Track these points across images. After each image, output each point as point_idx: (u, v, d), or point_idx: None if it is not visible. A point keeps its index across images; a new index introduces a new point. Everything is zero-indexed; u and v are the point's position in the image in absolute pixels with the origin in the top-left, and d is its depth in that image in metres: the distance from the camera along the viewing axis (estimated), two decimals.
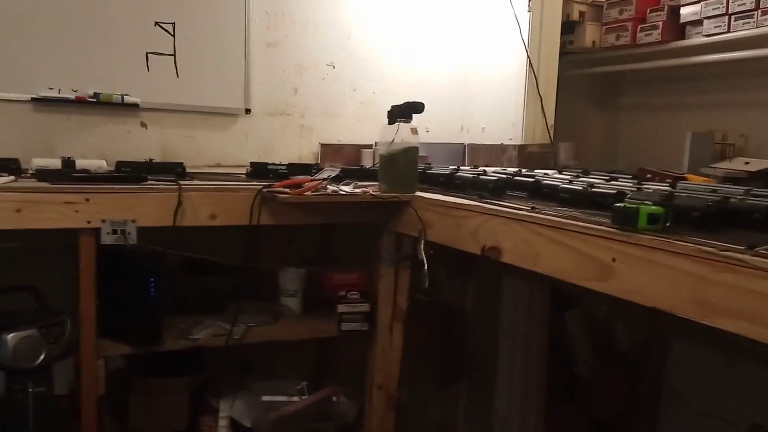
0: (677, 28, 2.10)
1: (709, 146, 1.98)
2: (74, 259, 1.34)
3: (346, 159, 2.06)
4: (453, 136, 2.27)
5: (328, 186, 1.46)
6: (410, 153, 1.46)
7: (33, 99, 1.74)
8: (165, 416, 1.56)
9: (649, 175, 1.74)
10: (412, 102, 1.44)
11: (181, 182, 1.42)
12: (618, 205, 0.97)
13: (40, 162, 1.50)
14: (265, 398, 1.60)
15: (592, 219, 1.03)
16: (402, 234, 1.52)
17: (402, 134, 1.43)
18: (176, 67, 1.89)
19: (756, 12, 1.84)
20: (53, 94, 1.75)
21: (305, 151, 2.10)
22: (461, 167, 1.78)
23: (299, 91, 2.08)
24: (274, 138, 2.06)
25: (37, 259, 1.55)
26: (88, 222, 1.31)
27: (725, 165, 1.85)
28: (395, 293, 1.59)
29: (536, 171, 1.73)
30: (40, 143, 1.76)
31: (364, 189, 1.48)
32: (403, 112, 1.44)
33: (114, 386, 1.47)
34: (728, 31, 1.92)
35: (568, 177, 1.49)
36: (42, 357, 1.35)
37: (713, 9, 1.96)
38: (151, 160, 1.67)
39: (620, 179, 1.52)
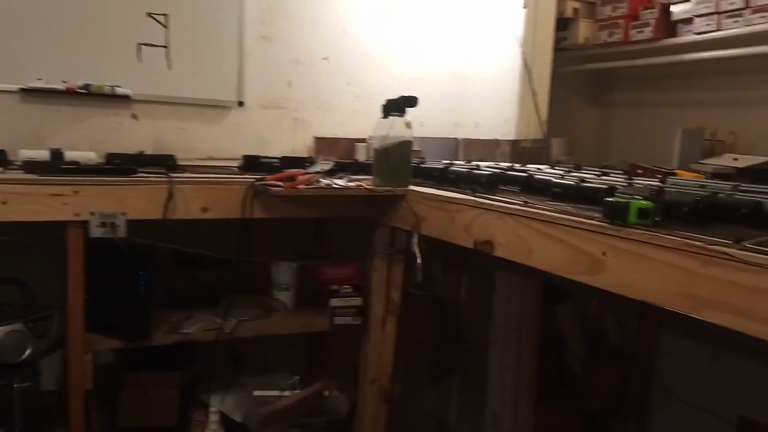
0: (669, 26, 2.11)
1: (698, 143, 2.00)
2: (62, 252, 1.33)
3: (340, 153, 2.06)
4: (447, 131, 2.27)
5: (322, 179, 1.45)
6: (404, 147, 1.46)
7: (21, 89, 1.72)
8: (155, 411, 1.55)
9: (639, 171, 1.75)
10: (407, 96, 1.44)
11: (173, 175, 1.41)
12: (609, 199, 0.98)
13: (28, 153, 1.48)
14: (257, 393, 1.60)
15: (583, 213, 1.04)
16: (395, 228, 1.52)
17: (396, 128, 1.43)
18: (169, 58, 1.87)
19: (745, 10, 1.86)
20: (42, 84, 1.73)
21: (299, 145, 2.09)
22: (455, 162, 1.78)
23: (294, 85, 2.07)
24: (268, 131, 2.05)
25: (24, 253, 1.53)
26: (77, 215, 1.30)
27: (714, 161, 1.87)
28: (388, 287, 1.59)
29: (529, 166, 1.73)
30: (28, 134, 1.74)
31: (358, 183, 1.48)
32: (398, 106, 1.44)
33: (103, 381, 1.45)
34: (718, 29, 1.94)
35: (561, 172, 1.49)
36: (28, 352, 1.33)
37: (704, 7, 1.97)
38: (142, 152, 1.66)
39: (611, 174, 1.53)
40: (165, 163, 1.54)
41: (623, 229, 0.92)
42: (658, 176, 1.56)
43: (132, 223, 1.34)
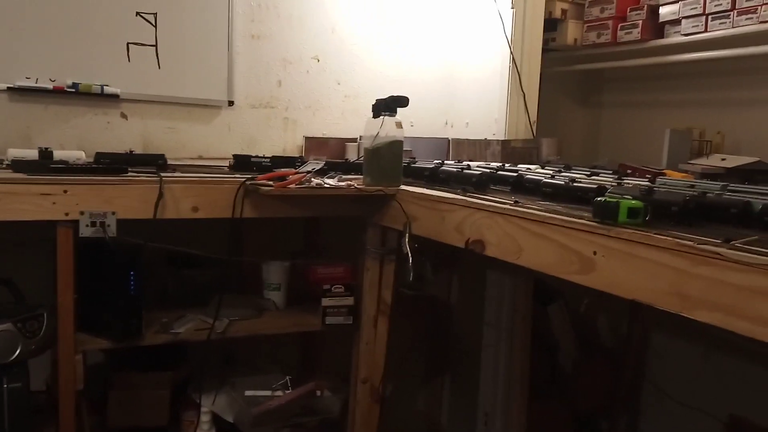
0: (656, 27, 2.14)
1: (687, 143, 2.03)
2: (52, 251, 1.32)
3: (331, 152, 2.06)
4: (437, 131, 2.28)
5: (312, 179, 1.45)
6: (395, 147, 1.46)
7: (9, 88, 1.70)
8: (146, 411, 1.54)
9: (629, 171, 1.77)
10: (397, 96, 1.44)
11: (163, 174, 1.40)
12: (599, 199, 0.99)
13: (16, 153, 1.46)
14: (248, 393, 1.59)
15: (573, 213, 1.05)
16: (387, 227, 1.52)
17: (387, 128, 1.43)
18: (158, 57, 1.86)
19: (732, 12, 1.88)
20: (30, 83, 1.71)
21: (289, 145, 2.08)
22: (445, 161, 1.79)
23: (283, 84, 2.06)
24: (258, 131, 2.04)
25: (14, 252, 1.51)
26: (66, 214, 1.29)
27: (703, 161, 1.90)
28: (380, 287, 1.59)
29: (519, 166, 1.74)
30: (16, 133, 1.72)
31: (349, 182, 1.48)
32: (388, 106, 1.44)
33: (93, 381, 1.44)
34: (705, 31, 1.96)
35: (551, 172, 1.50)
36: (17, 352, 1.32)
37: (691, 9, 2.00)
38: (131, 151, 1.64)
39: (601, 174, 1.54)
40: (155, 162, 1.53)
41: (613, 229, 0.93)
42: (648, 176, 1.57)
43: (122, 223, 1.33)
